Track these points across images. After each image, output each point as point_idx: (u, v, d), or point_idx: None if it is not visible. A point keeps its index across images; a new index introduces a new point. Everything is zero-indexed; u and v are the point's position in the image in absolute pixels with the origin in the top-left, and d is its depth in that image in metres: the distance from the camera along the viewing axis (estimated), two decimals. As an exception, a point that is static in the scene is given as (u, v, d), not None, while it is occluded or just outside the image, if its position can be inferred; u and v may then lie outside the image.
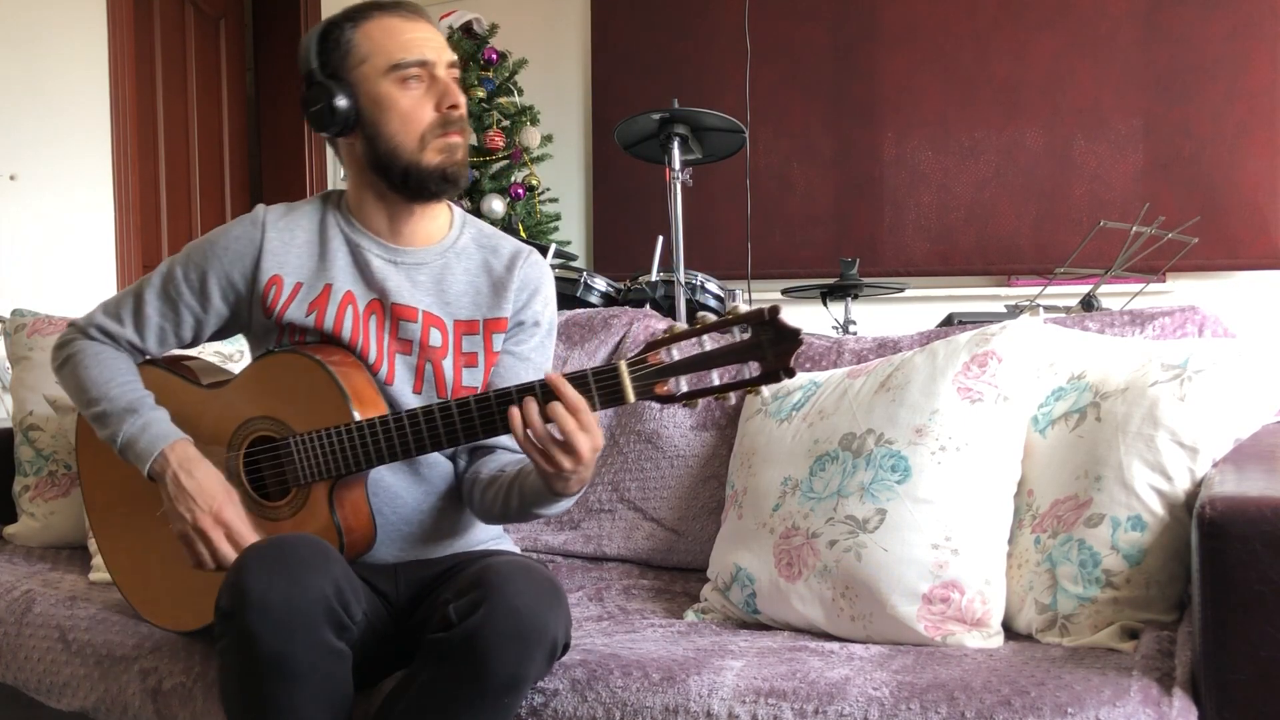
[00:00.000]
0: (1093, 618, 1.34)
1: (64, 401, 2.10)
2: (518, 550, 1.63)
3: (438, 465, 1.50)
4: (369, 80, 1.42)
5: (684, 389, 1.23)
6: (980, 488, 1.44)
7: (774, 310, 1.18)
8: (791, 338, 1.18)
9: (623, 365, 1.24)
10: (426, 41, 1.43)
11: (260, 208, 1.53)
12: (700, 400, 1.24)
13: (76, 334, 1.54)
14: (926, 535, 1.42)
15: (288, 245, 1.49)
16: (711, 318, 1.22)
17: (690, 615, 1.63)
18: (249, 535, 1.38)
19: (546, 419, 1.25)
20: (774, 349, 1.19)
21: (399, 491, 1.47)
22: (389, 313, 1.47)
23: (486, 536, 1.57)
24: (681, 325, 1.23)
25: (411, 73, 1.41)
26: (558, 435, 1.25)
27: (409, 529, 1.49)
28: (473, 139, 4.44)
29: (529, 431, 1.26)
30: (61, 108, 3.54)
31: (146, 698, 1.48)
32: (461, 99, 1.44)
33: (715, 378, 1.22)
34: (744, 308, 1.21)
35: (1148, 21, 3.94)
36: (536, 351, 1.54)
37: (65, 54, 3.56)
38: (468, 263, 1.53)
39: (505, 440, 1.49)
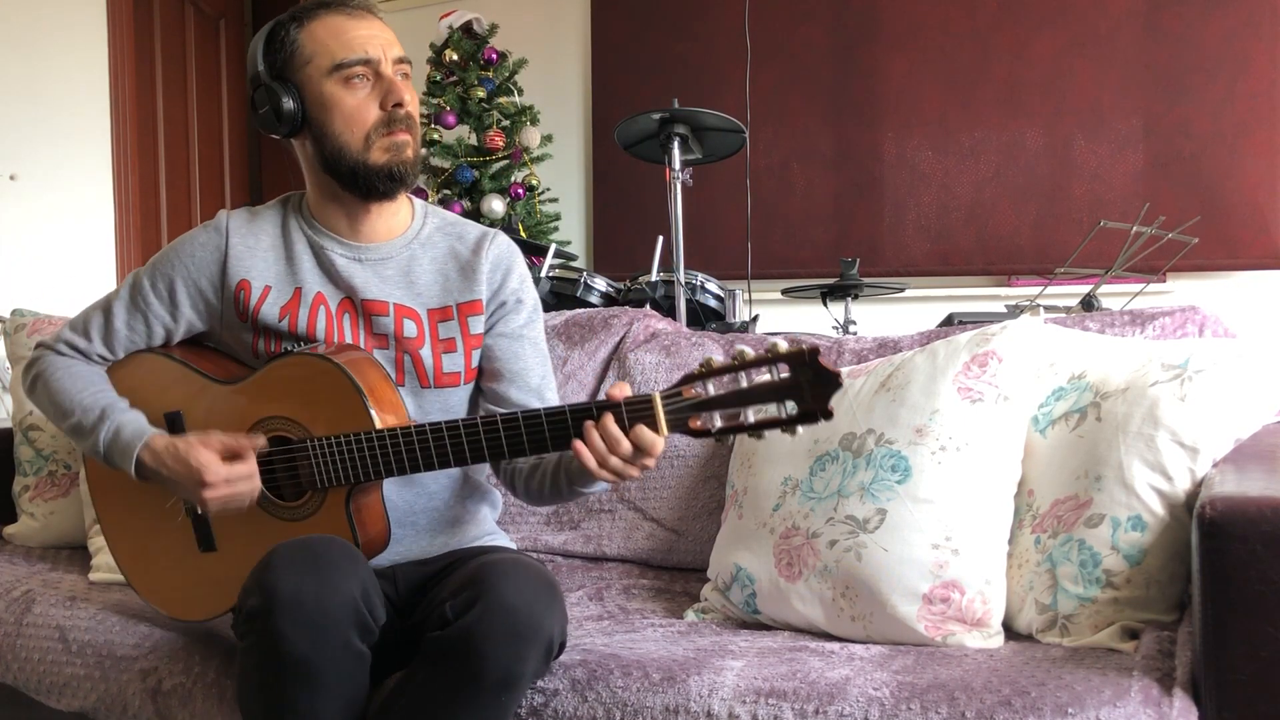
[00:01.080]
0: (1093, 618, 1.34)
1: (64, 401, 2.10)
2: (515, 547, 1.63)
3: None
4: (313, 81, 1.41)
5: (718, 424, 1.21)
6: (980, 488, 1.44)
7: (814, 351, 1.16)
8: (832, 380, 1.16)
9: (657, 397, 1.22)
10: (371, 39, 1.40)
11: (222, 213, 1.53)
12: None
13: (45, 351, 1.54)
14: (927, 535, 1.42)
15: (253, 250, 1.49)
16: (750, 352, 1.19)
17: (690, 615, 1.63)
18: (242, 469, 1.36)
19: (604, 440, 1.24)
20: (813, 390, 1.17)
21: (389, 495, 1.47)
22: (361, 309, 1.47)
23: (481, 533, 1.58)
24: (719, 359, 1.20)
25: (355, 71, 1.39)
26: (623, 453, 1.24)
27: (402, 531, 1.49)
28: (466, 136, 4.45)
29: (608, 465, 1.25)
30: (61, 108, 3.54)
31: (146, 697, 1.48)
32: (407, 96, 1.41)
33: (750, 415, 1.20)
34: (784, 345, 1.18)
35: (1148, 21, 3.94)
36: (528, 328, 1.54)
37: (65, 54, 3.56)
38: (434, 251, 1.52)
39: None
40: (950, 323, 2.95)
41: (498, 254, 1.53)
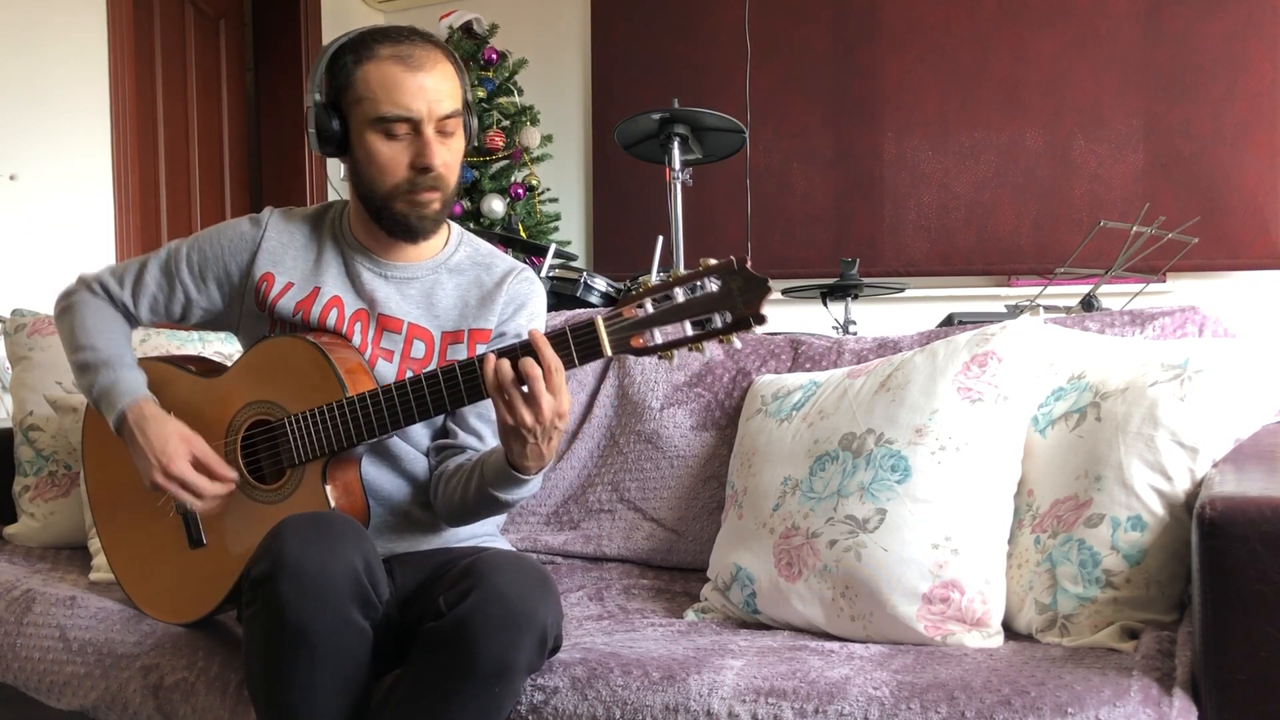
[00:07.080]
0: (1093, 618, 1.34)
1: (64, 401, 2.10)
2: (513, 550, 1.63)
3: (419, 459, 1.54)
4: (358, 122, 1.46)
5: (658, 341, 1.26)
6: (980, 488, 1.44)
7: (742, 260, 1.22)
8: (760, 284, 1.21)
9: (599, 320, 1.27)
10: (419, 94, 1.43)
11: (268, 210, 1.60)
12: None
13: (81, 286, 1.62)
14: (926, 535, 1.42)
15: (285, 246, 1.56)
16: (682, 271, 1.26)
17: (690, 615, 1.63)
18: (204, 484, 1.43)
19: (521, 377, 1.28)
20: (744, 297, 1.21)
21: (383, 484, 1.51)
22: (375, 321, 1.53)
23: (480, 533, 1.60)
24: (653, 280, 1.25)
25: (395, 128, 1.44)
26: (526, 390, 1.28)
27: (394, 519, 1.52)
28: (472, 144, 4.45)
29: (499, 379, 1.28)
30: (61, 108, 3.54)
31: (148, 694, 1.49)
32: (439, 159, 1.45)
33: (689, 329, 1.25)
34: (712, 261, 1.24)
35: (1148, 21, 3.94)
36: None
37: (65, 54, 3.55)
38: (459, 278, 1.57)
39: (474, 442, 1.53)
40: (950, 323, 2.95)
41: (516, 289, 1.58)
